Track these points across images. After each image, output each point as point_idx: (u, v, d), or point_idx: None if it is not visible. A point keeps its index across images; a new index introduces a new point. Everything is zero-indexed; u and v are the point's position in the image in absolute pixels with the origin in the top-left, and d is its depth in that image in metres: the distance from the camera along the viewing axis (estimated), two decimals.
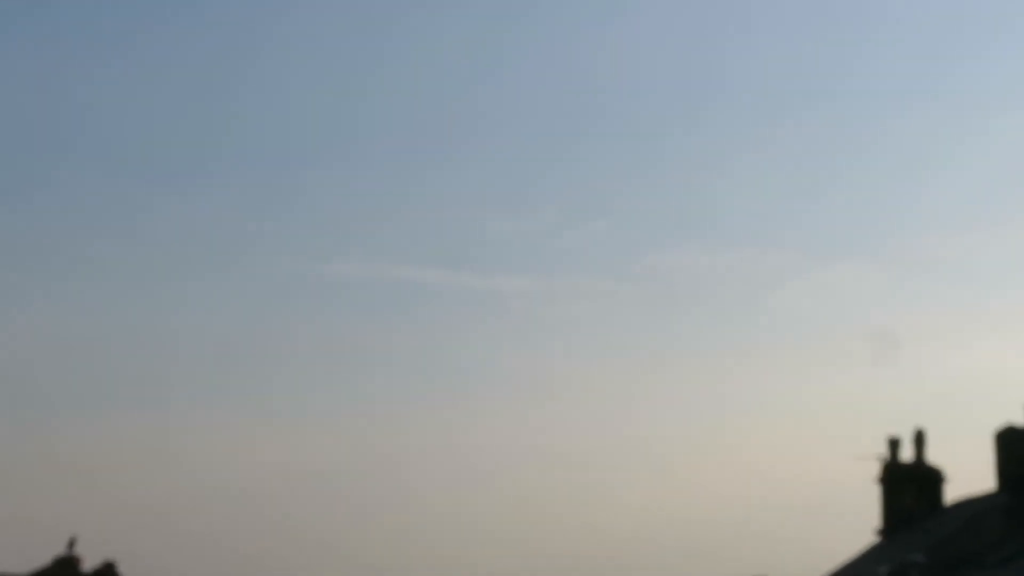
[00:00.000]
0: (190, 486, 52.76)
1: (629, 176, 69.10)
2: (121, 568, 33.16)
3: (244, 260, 66.32)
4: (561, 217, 67.71)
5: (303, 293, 65.66)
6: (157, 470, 54.31)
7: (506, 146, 70.87)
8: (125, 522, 49.30)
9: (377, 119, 71.39)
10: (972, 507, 28.62)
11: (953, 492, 30.76)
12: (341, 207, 69.32)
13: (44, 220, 65.54)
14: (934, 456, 31.15)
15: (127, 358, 61.09)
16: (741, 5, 72.56)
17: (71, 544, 32.25)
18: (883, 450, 31.20)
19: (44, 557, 32.65)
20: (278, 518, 54.07)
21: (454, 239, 68.01)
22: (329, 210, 69.24)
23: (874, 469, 31.21)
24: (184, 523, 51.63)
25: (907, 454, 31.13)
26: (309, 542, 52.35)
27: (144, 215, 67.03)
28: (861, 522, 31.66)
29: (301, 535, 52.92)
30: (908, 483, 30.85)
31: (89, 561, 32.80)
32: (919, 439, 30.98)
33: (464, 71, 71.83)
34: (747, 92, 70.80)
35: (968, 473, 32.66)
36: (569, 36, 71.49)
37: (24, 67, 68.61)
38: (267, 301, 65.20)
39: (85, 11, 70.66)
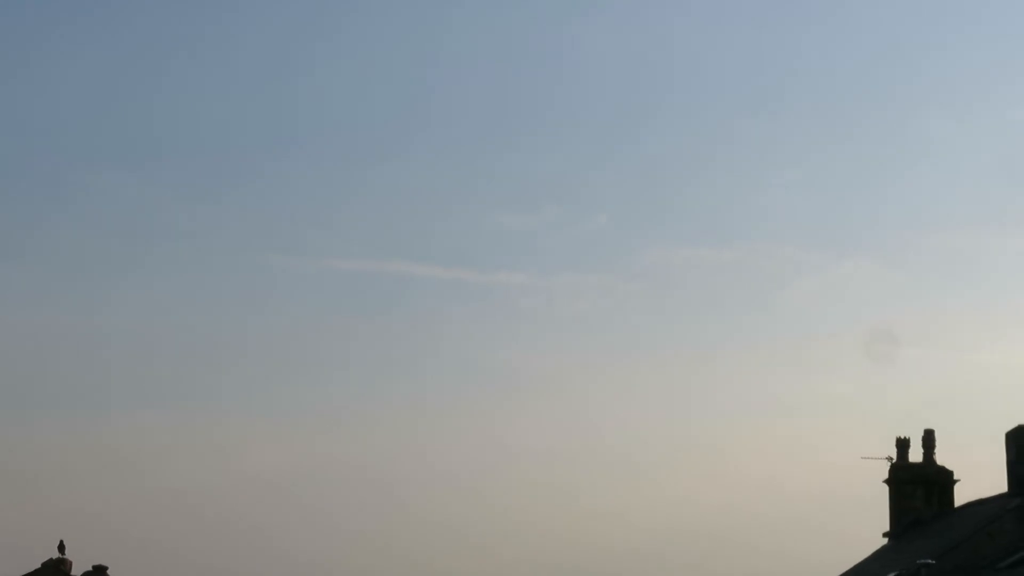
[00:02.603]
0: (182, 489, 52.57)
1: (631, 171, 68.70)
2: (112, 572, 33.05)
3: (238, 256, 66.06)
4: (563, 212, 67.35)
5: (300, 289, 65.41)
6: (149, 473, 54.12)
7: (507, 142, 70.54)
8: (116, 526, 49.15)
9: (377, 117, 71.15)
10: (983, 509, 28.25)
11: (964, 494, 30.38)
12: (341, 203, 69.05)
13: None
14: (944, 457, 30.80)
15: (118, 358, 60.94)
16: (745, 3, 72.16)
17: (61, 547, 32.10)
18: (892, 451, 30.79)
19: (34, 561, 32.53)
20: (275, 520, 53.84)
21: (454, 235, 67.81)
22: (329, 206, 68.98)
23: (882, 470, 30.85)
24: (177, 526, 51.45)
25: (916, 455, 30.70)
26: (310, 542, 52.03)
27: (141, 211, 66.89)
28: (869, 524, 31.41)
29: (299, 536, 52.61)
30: (917, 485, 30.47)
31: (80, 565, 32.69)
32: (928, 440, 30.56)
33: (465, 68, 71.53)
34: (751, 89, 70.36)
35: (979, 475, 32.31)
36: (570, 31, 71.11)
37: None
38: (259, 296, 65.00)
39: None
